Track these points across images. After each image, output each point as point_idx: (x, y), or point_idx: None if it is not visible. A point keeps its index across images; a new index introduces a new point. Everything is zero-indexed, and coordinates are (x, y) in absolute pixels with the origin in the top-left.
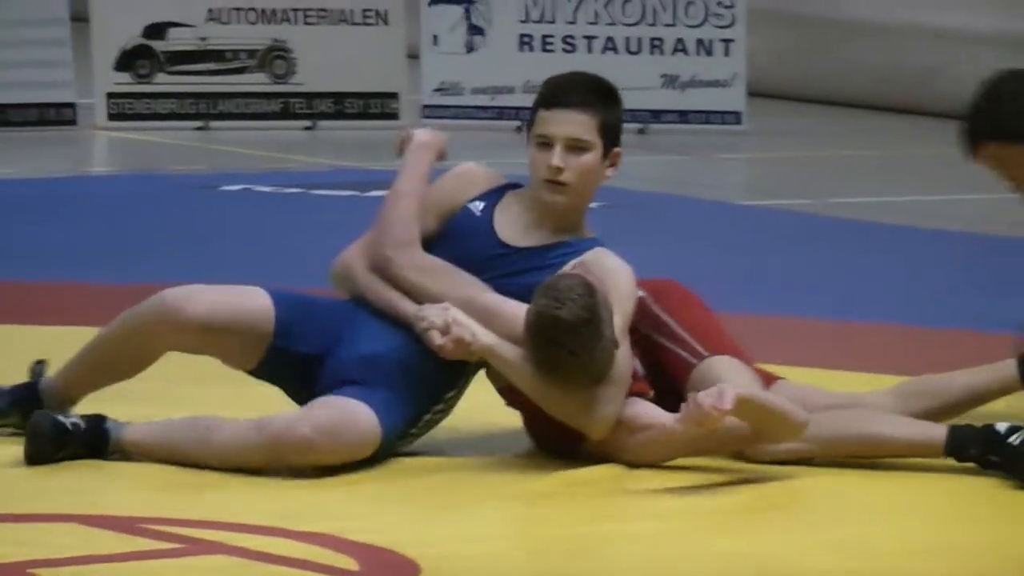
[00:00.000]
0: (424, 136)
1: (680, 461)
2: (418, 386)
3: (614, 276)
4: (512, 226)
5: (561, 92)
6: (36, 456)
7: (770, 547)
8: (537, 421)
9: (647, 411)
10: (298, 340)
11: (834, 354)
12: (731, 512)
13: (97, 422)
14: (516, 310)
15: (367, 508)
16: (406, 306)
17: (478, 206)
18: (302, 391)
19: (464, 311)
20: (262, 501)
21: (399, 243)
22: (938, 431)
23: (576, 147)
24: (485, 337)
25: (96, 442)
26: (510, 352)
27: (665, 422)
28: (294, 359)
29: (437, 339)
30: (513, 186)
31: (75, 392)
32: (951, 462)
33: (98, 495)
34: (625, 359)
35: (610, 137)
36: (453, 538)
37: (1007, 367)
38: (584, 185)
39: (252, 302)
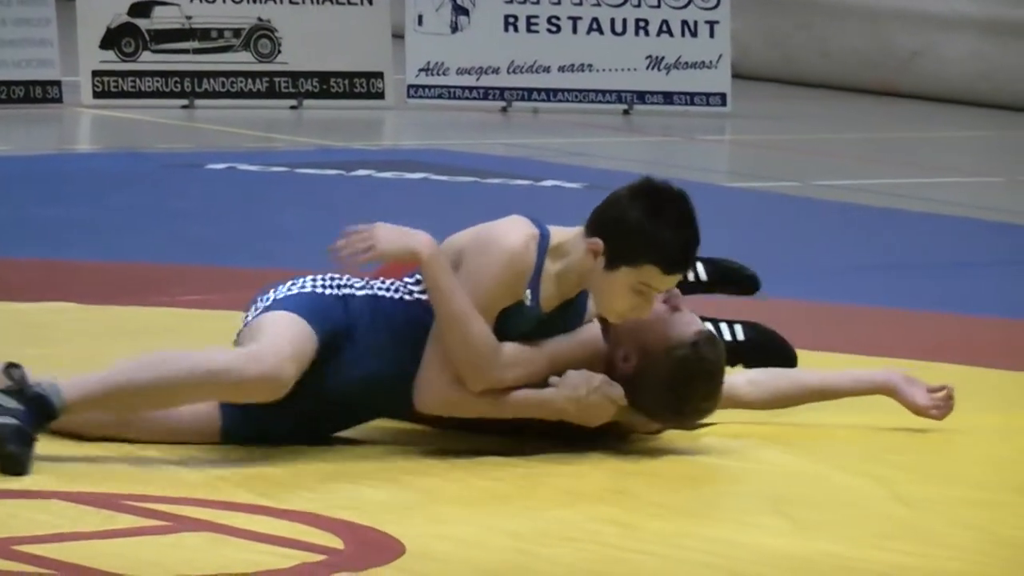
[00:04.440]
0: (425, 247)
1: (677, 438)
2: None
3: None
4: (552, 300)
5: (686, 262)
6: (16, 469)
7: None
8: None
9: None
10: (332, 365)
11: (821, 336)
12: (723, 496)
13: (36, 397)
14: (584, 337)
15: (344, 486)
16: (547, 395)
17: (528, 296)
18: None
19: (550, 366)
20: (236, 478)
21: (497, 361)
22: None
23: None
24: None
25: (47, 413)
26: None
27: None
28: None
29: (620, 397)
30: (543, 245)
31: (85, 411)
32: None
33: (79, 472)
34: None
35: None
36: (434, 519)
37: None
38: None
39: (311, 344)
